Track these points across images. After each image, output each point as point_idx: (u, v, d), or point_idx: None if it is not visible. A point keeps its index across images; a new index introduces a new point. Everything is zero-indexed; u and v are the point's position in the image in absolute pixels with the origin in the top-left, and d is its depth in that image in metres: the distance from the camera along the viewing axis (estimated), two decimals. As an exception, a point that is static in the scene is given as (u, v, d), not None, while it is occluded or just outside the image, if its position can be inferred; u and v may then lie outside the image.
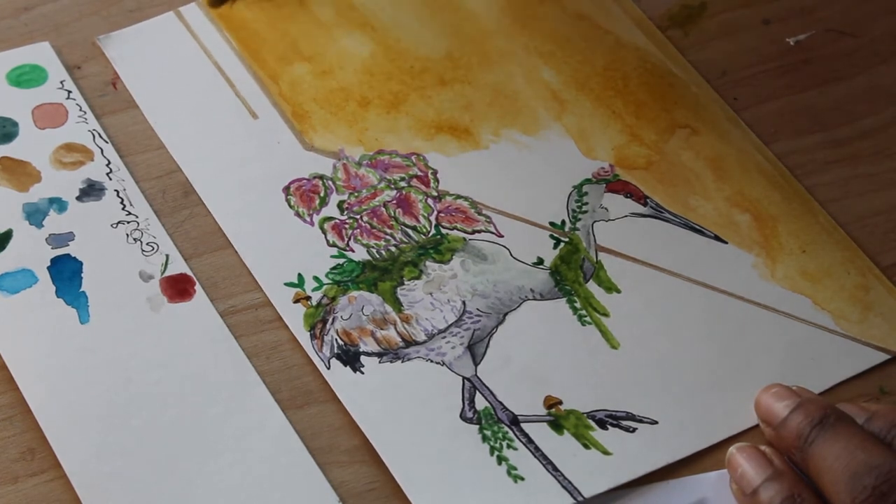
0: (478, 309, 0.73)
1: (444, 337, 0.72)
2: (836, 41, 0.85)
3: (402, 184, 0.78)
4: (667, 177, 0.79)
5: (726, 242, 0.77)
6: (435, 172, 0.79)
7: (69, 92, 0.80)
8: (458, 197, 0.78)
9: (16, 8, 0.84)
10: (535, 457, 0.69)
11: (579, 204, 0.78)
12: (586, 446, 0.69)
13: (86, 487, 0.66)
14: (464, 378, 0.71)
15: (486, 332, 0.73)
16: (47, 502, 0.66)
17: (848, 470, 0.63)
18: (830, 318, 0.74)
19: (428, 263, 0.75)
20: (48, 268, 0.73)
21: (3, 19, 0.83)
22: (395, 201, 0.78)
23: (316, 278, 0.74)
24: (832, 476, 0.64)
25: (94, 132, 0.79)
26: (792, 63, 0.84)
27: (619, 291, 0.75)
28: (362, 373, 0.71)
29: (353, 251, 0.75)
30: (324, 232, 0.76)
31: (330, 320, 0.73)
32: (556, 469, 0.68)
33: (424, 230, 0.77)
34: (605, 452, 0.69)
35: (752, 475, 0.66)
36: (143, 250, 0.75)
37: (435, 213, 0.77)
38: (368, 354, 0.72)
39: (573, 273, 0.75)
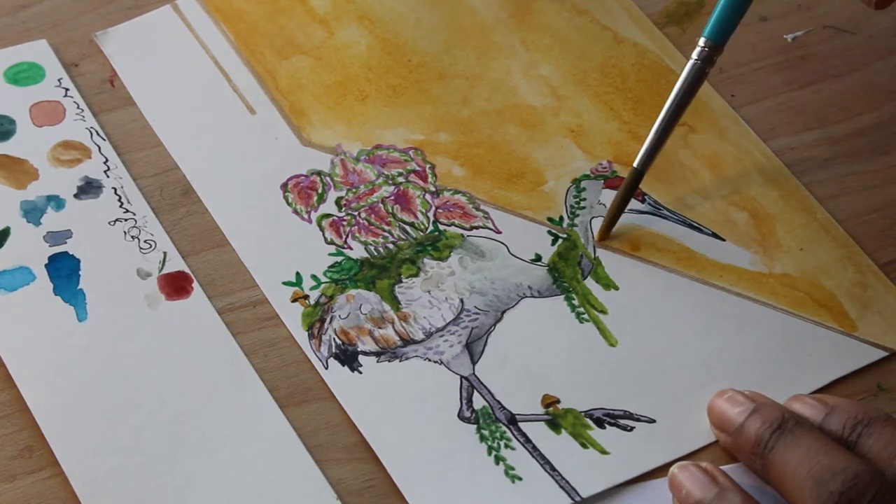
0: (476, 307, 0.73)
1: (442, 335, 0.72)
2: (833, 38, 0.85)
3: (400, 179, 0.78)
4: (664, 174, 0.79)
5: (724, 240, 0.77)
6: (433, 167, 0.79)
7: (67, 90, 0.80)
8: (457, 192, 0.78)
9: (13, 6, 0.83)
10: (533, 456, 0.69)
11: (577, 200, 0.78)
12: (584, 445, 0.69)
13: (84, 485, 0.66)
14: (462, 377, 0.71)
15: (484, 330, 0.73)
16: (45, 500, 0.67)
17: (811, 476, 0.63)
18: (828, 315, 0.74)
19: (426, 261, 0.75)
20: (46, 265, 0.73)
21: (0, 17, 0.83)
22: (392, 197, 0.78)
23: (314, 276, 0.74)
24: (795, 482, 0.63)
25: (91, 129, 0.79)
26: (789, 60, 0.84)
27: (616, 288, 0.75)
28: (360, 372, 0.71)
29: (350, 249, 0.75)
30: (322, 229, 0.76)
31: (328, 319, 0.73)
32: (553, 469, 0.68)
33: (422, 226, 0.76)
34: (603, 452, 0.69)
35: (699, 495, 0.65)
36: (140, 248, 0.74)
37: (433, 208, 0.77)
38: (366, 354, 0.72)
39: (571, 270, 0.75)
